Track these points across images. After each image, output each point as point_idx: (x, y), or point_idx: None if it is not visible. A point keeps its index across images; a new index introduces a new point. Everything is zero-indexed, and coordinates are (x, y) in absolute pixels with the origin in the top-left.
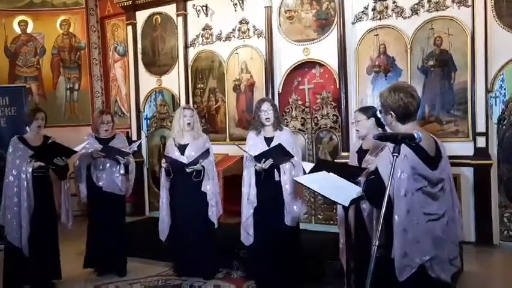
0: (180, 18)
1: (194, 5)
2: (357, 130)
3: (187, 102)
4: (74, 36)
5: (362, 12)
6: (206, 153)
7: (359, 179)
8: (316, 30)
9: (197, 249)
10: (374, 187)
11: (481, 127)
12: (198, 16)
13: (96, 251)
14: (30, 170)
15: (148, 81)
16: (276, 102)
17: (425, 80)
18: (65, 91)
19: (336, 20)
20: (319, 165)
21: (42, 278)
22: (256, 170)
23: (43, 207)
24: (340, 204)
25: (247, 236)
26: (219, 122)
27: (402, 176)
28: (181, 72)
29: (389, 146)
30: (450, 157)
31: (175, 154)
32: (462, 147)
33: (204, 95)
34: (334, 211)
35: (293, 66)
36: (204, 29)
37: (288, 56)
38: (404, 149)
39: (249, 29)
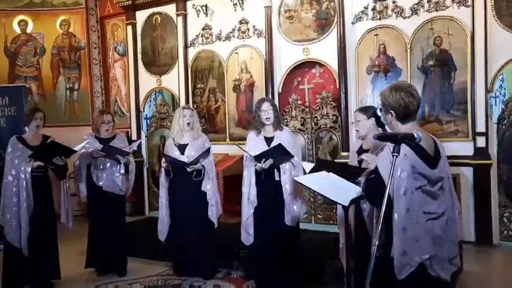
0: (180, 18)
1: (194, 4)
2: (357, 130)
3: (187, 102)
4: (73, 36)
5: (362, 12)
6: (206, 152)
7: (359, 179)
8: (316, 30)
9: (197, 249)
10: (374, 186)
11: (480, 127)
12: (198, 16)
13: (97, 251)
14: (29, 169)
15: (148, 81)
16: (276, 102)
17: (425, 80)
18: (65, 91)
19: (335, 20)
20: (319, 165)
21: (42, 278)
22: (256, 170)
23: (42, 207)
24: (340, 204)
25: (247, 235)
26: (218, 121)
27: (402, 175)
28: (181, 72)
29: (389, 145)
30: (450, 157)
31: (175, 154)
32: (462, 147)
33: (203, 95)
34: (334, 211)
35: (293, 66)
36: (203, 29)
37: (287, 55)
38: (404, 148)
39: (248, 29)
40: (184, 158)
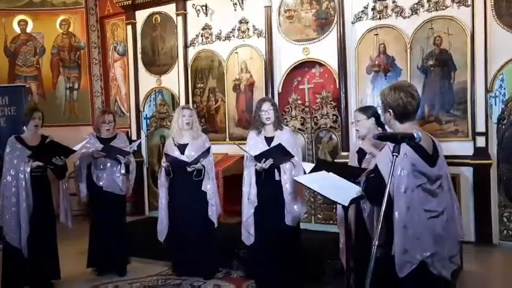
0: (180, 18)
1: (194, 4)
2: (357, 130)
3: (187, 102)
4: (73, 36)
5: (362, 11)
6: (206, 152)
7: (359, 179)
8: (316, 30)
9: (197, 248)
10: (374, 186)
11: (480, 127)
12: (198, 16)
13: (98, 251)
14: (28, 169)
15: (148, 81)
16: (276, 101)
17: (425, 80)
18: (65, 91)
19: (335, 20)
20: (319, 166)
21: (42, 278)
22: (256, 170)
23: (41, 207)
24: (339, 204)
25: (248, 235)
26: (218, 121)
27: (402, 173)
28: (181, 71)
29: (389, 145)
30: (450, 157)
31: (175, 154)
32: (462, 147)
33: (203, 95)
34: (334, 211)
35: (293, 66)
36: (203, 29)
37: (287, 55)
38: (404, 147)
39: (248, 29)
40: (184, 158)
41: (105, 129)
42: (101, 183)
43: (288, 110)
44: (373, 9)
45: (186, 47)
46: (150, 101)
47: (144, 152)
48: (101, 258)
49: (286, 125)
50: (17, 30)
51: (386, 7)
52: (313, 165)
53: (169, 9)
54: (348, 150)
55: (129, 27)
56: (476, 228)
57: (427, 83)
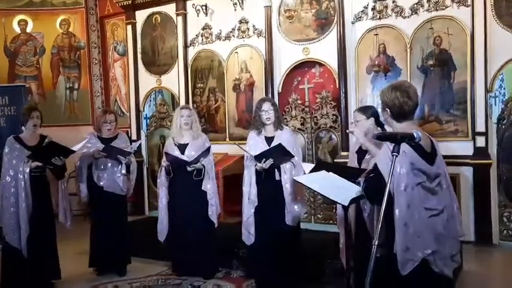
0: (180, 18)
1: (194, 4)
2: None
3: (186, 101)
4: (73, 36)
5: (362, 11)
6: (207, 152)
7: (359, 179)
8: (316, 30)
9: (197, 248)
10: (374, 185)
11: (480, 127)
12: (198, 15)
13: (99, 251)
14: (27, 170)
15: (148, 81)
16: (276, 101)
17: (425, 80)
18: (65, 90)
19: (335, 20)
20: (319, 167)
21: (42, 278)
22: (256, 170)
23: (41, 207)
24: (339, 203)
25: (248, 235)
26: (218, 121)
27: (401, 171)
28: (181, 71)
29: (389, 144)
30: (450, 157)
31: (175, 153)
32: (462, 147)
33: (203, 95)
34: (334, 211)
35: (293, 66)
36: (203, 29)
37: (287, 55)
38: (403, 146)
39: (248, 29)
40: (184, 158)
41: (107, 129)
42: (101, 183)
43: (288, 110)
44: (373, 9)
45: (186, 46)
46: (150, 101)
47: (144, 152)
48: (102, 258)
49: (286, 125)
50: (17, 30)
51: (386, 7)
52: (312, 165)
53: (169, 9)
54: (347, 150)
55: (129, 27)
56: (476, 228)
57: (427, 83)
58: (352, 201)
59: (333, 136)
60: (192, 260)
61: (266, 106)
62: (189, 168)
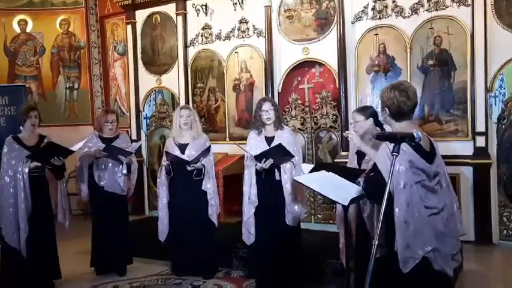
0: (180, 18)
1: (194, 4)
2: (355, 131)
3: (186, 101)
4: (73, 36)
5: (362, 11)
6: (206, 151)
7: (359, 179)
8: (316, 30)
9: (197, 248)
10: (373, 184)
11: (480, 126)
12: (198, 15)
13: (100, 251)
14: (26, 170)
15: (148, 81)
16: (276, 101)
17: (425, 80)
18: (65, 90)
19: (335, 20)
20: (318, 168)
21: (42, 278)
22: (257, 170)
23: (40, 207)
24: (339, 203)
25: (248, 235)
26: (218, 121)
27: (400, 169)
28: (181, 71)
29: (388, 144)
30: (450, 156)
31: (175, 153)
32: (462, 147)
33: (203, 95)
34: (334, 210)
35: (293, 66)
36: (203, 28)
37: (287, 55)
38: (402, 145)
39: (248, 28)
40: (184, 158)
41: (108, 128)
42: (102, 183)
43: (288, 109)
44: (373, 9)
45: (186, 46)
46: (150, 100)
47: (144, 152)
48: (103, 258)
49: (287, 125)
50: (17, 29)
51: (386, 7)
52: (312, 166)
53: (169, 8)
54: (347, 150)
55: (129, 26)
56: (476, 227)
57: (427, 83)
58: (352, 201)
59: (333, 136)
60: (192, 259)
61: (266, 106)
62: (189, 168)
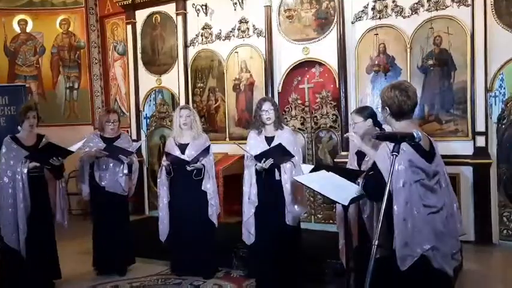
0: (180, 18)
1: (194, 4)
2: (355, 132)
3: (186, 101)
4: (73, 35)
5: (362, 11)
6: (206, 151)
7: (358, 180)
8: (316, 30)
9: (197, 248)
10: (373, 182)
11: (480, 126)
12: (198, 15)
13: (101, 251)
14: (25, 170)
15: (148, 81)
16: (276, 101)
17: (425, 79)
18: (65, 90)
19: (335, 19)
20: (318, 169)
21: (42, 278)
22: (256, 170)
23: (39, 207)
24: (339, 203)
25: (248, 235)
26: (218, 121)
27: (400, 168)
28: (181, 71)
29: (388, 143)
30: (450, 156)
31: (175, 153)
32: (462, 147)
33: (203, 94)
34: (334, 210)
35: (293, 66)
36: (203, 28)
37: (287, 55)
38: (402, 144)
39: (248, 28)
40: (184, 158)
41: (109, 128)
42: (103, 183)
43: (288, 109)
44: (373, 8)
45: (186, 46)
46: (150, 100)
47: (144, 152)
48: (104, 259)
49: (287, 125)
50: (17, 29)
51: (386, 7)
52: (311, 166)
53: (169, 8)
54: (347, 150)
55: (129, 26)
56: (476, 227)
57: (427, 83)
58: (352, 200)
59: (333, 136)
60: (192, 259)
61: (266, 106)
62: (188, 168)
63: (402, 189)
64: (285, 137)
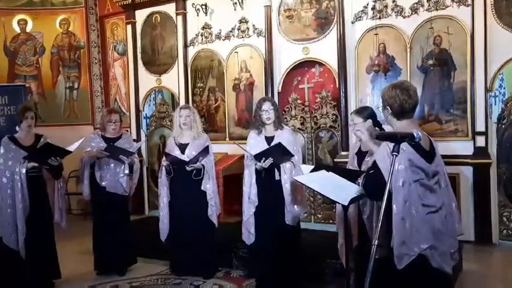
0: (180, 17)
1: (194, 3)
2: (355, 133)
3: (186, 101)
4: (73, 35)
5: (362, 11)
6: (205, 151)
7: (359, 180)
8: (316, 30)
9: (197, 248)
10: (373, 181)
11: (480, 126)
12: (198, 15)
13: (101, 251)
14: (24, 171)
15: (147, 80)
16: (276, 101)
17: (425, 79)
18: (65, 90)
19: (335, 19)
20: (318, 169)
21: (41, 278)
22: (256, 169)
23: (38, 207)
24: (339, 203)
25: (248, 234)
26: (218, 121)
27: (400, 167)
28: (181, 71)
29: (388, 143)
30: (449, 156)
31: (175, 153)
32: (461, 147)
33: (203, 94)
34: (334, 210)
35: (293, 66)
36: (203, 28)
37: (287, 55)
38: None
39: (248, 28)
40: (184, 158)
41: (111, 128)
42: (103, 183)
43: (287, 109)
44: (373, 8)
45: (185, 46)
46: (150, 100)
47: (144, 152)
48: (105, 259)
49: (286, 125)
50: (17, 29)
51: (386, 6)
52: (311, 167)
53: (169, 8)
54: (347, 150)
55: (129, 26)
56: (476, 227)
57: (427, 83)
58: (352, 200)
59: (333, 136)
60: (192, 259)
61: (266, 106)
62: (188, 168)
63: (402, 188)
64: (284, 137)
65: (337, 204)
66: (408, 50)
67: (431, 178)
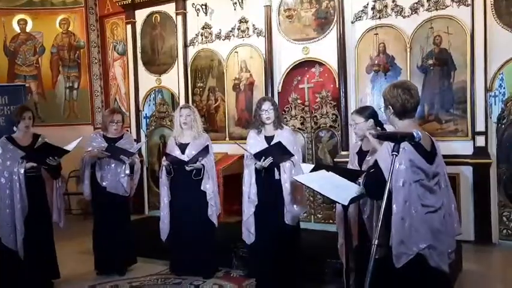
0: (180, 17)
1: (194, 3)
2: (356, 133)
3: (186, 101)
4: (73, 35)
5: (362, 11)
6: (205, 151)
7: (359, 180)
8: (316, 29)
9: (197, 248)
10: (374, 180)
11: (480, 126)
12: (198, 15)
13: (101, 251)
14: (22, 171)
15: (147, 80)
16: (276, 101)
17: (425, 79)
18: (64, 90)
19: (335, 19)
20: (319, 169)
21: (40, 278)
22: (256, 169)
23: (37, 207)
24: (339, 203)
25: (248, 234)
26: (218, 121)
27: (400, 167)
28: (181, 71)
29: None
30: (449, 156)
31: (176, 153)
32: (461, 146)
33: (203, 94)
34: (334, 210)
35: (292, 65)
36: (203, 28)
37: (287, 55)
38: (403, 143)
39: (248, 28)
40: (184, 157)
41: (113, 128)
42: (104, 183)
43: (287, 109)
44: (373, 8)
45: (185, 46)
46: (150, 100)
47: (144, 152)
48: (105, 259)
49: (286, 125)
50: (17, 29)
51: (386, 6)
52: (311, 166)
53: (169, 8)
54: (347, 150)
55: (129, 26)
56: (475, 227)
57: (426, 83)
58: (352, 200)
59: (333, 135)
60: (192, 259)
61: (266, 105)
62: (187, 168)
63: (402, 188)
64: (284, 137)
65: (337, 204)
66: (408, 49)
67: (431, 179)
